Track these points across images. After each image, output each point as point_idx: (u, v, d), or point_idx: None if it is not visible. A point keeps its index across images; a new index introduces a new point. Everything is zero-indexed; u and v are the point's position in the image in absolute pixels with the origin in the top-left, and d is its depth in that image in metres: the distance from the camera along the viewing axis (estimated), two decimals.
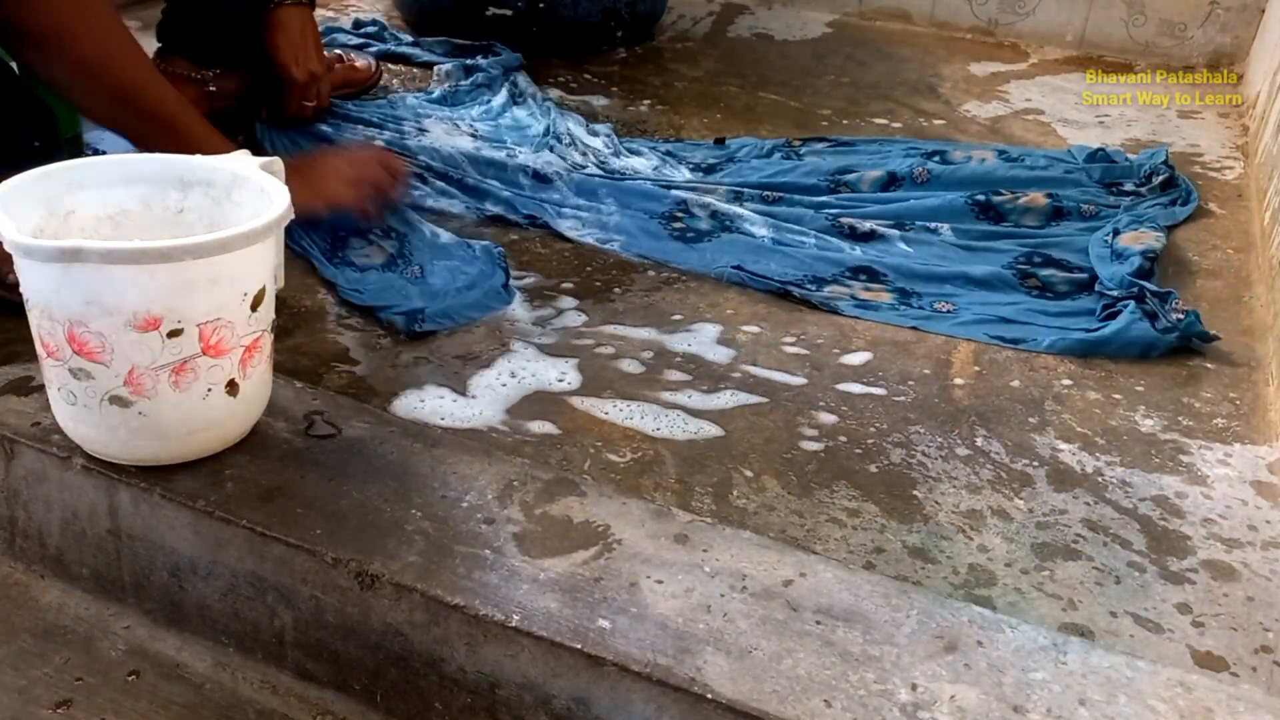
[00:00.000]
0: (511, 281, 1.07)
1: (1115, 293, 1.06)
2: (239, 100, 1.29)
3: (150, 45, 1.22)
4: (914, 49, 1.92)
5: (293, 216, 0.70)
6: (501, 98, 1.50)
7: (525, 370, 0.93)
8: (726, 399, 0.91)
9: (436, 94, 1.51)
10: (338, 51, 1.52)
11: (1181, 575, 0.75)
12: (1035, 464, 0.86)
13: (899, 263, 1.14)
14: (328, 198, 1.08)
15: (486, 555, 0.66)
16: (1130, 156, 1.41)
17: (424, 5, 1.79)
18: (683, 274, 1.11)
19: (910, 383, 0.95)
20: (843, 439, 0.87)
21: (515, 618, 0.62)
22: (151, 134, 0.97)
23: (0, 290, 0.85)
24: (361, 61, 1.52)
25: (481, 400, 0.88)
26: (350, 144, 1.31)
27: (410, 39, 1.72)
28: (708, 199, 1.23)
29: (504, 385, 0.91)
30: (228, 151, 0.77)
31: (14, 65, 0.97)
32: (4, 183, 0.68)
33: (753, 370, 0.96)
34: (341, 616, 0.67)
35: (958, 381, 0.96)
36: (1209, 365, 1.00)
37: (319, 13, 1.90)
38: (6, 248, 0.64)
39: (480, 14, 1.70)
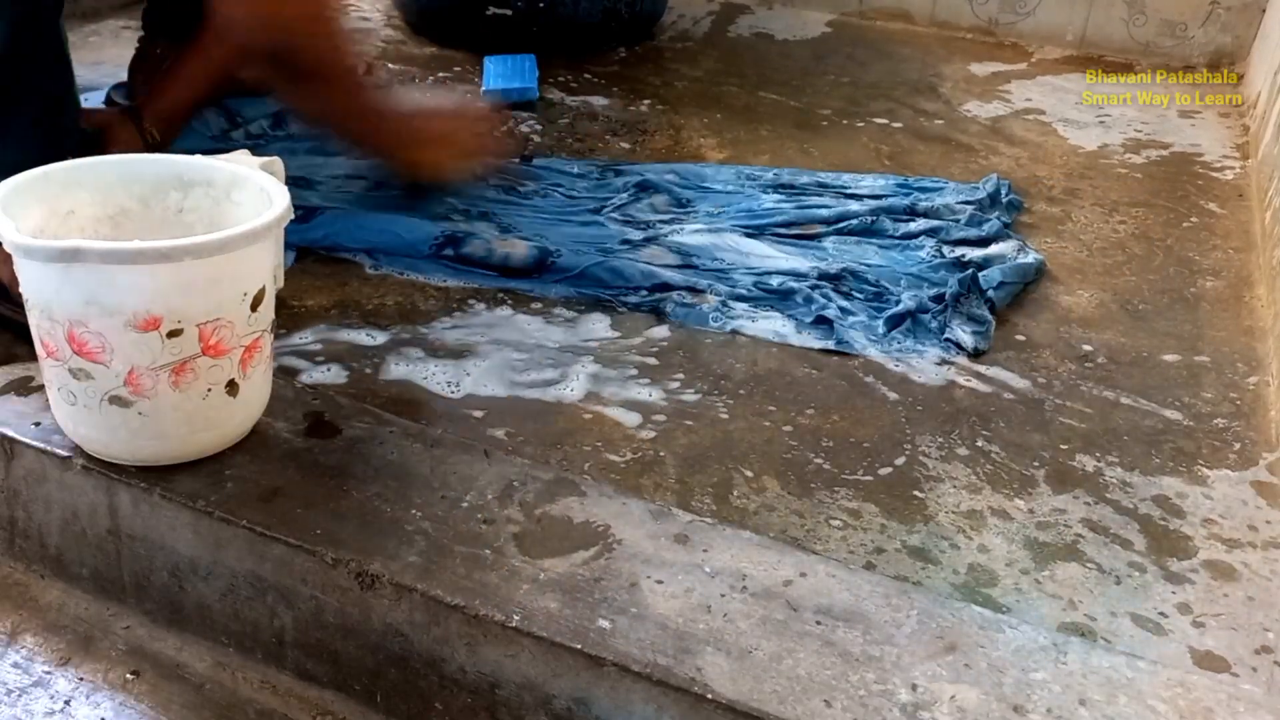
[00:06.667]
0: None
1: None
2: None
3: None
4: (914, 49, 1.92)
5: (292, 216, 0.70)
6: None
7: None
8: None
9: None
10: None
11: (1182, 575, 0.75)
12: (1035, 464, 0.86)
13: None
14: (443, 168, 1.15)
15: (486, 555, 0.66)
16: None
17: (424, 5, 1.79)
18: None
19: (911, 382, 0.95)
20: (843, 439, 0.87)
21: (515, 618, 0.62)
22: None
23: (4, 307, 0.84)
24: None
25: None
26: (449, 101, 1.33)
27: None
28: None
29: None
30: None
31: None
32: (4, 183, 0.68)
33: (755, 370, 0.96)
34: (341, 616, 0.67)
35: (958, 381, 0.96)
36: (1209, 365, 1.00)
37: None
38: (6, 248, 0.64)
39: (480, 14, 1.70)
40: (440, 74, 1.63)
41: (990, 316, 1.03)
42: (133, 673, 0.72)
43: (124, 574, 0.75)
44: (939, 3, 2.01)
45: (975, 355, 0.99)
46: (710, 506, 0.79)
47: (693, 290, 1.06)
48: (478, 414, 0.87)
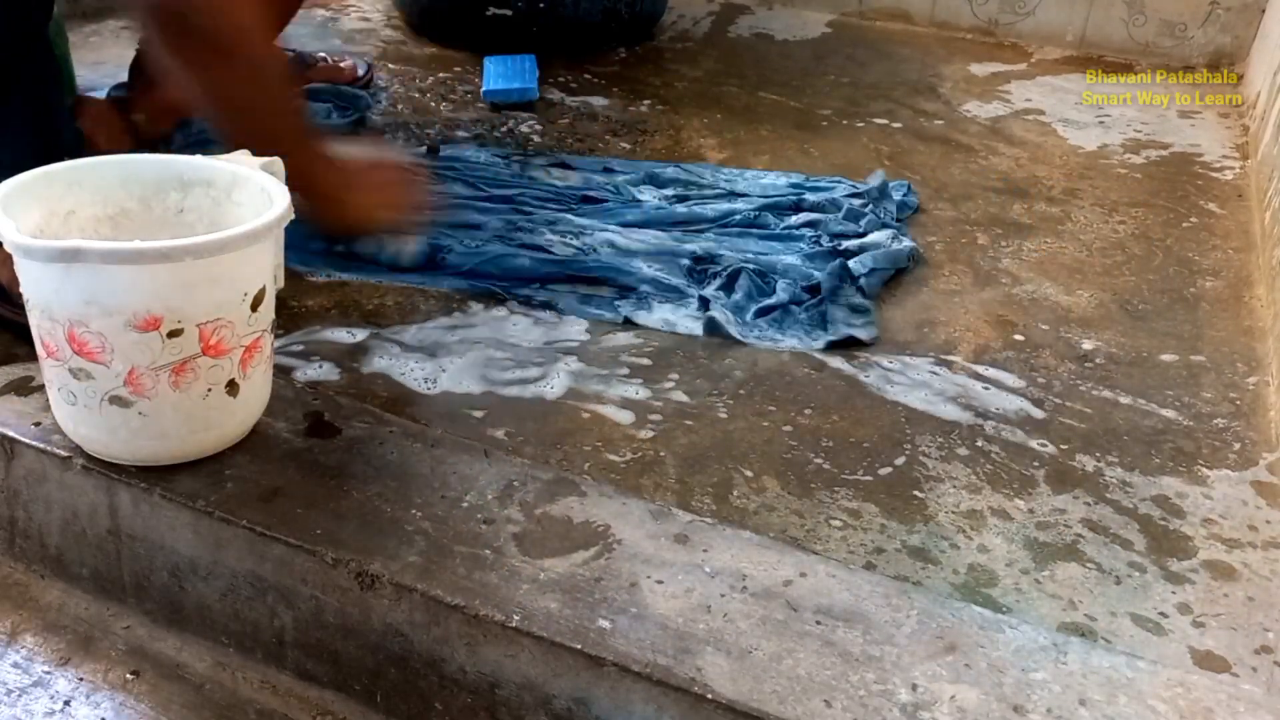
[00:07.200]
0: None
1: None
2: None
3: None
4: (914, 49, 1.92)
5: (292, 217, 0.70)
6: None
7: None
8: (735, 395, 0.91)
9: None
10: (322, 54, 1.53)
11: (1182, 575, 0.75)
12: (1035, 464, 0.86)
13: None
14: (374, 218, 1.04)
15: (486, 555, 0.66)
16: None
17: (424, 5, 1.79)
18: None
19: (910, 382, 0.95)
20: (843, 439, 0.87)
21: (515, 618, 0.62)
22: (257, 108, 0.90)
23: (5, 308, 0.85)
24: (346, 62, 1.53)
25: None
26: (368, 151, 1.22)
27: None
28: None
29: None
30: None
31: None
32: (4, 183, 0.68)
33: (755, 370, 0.96)
34: (341, 616, 0.67)
35: (958, 380, 0.96)
36: (1209, 365, 1.00)
37: (318, 12, 1.90)
38: (7, 248, 0.64)
39: (480, 14, 1.70)
40: (440, 74, 1.63)
41: (868, 303, 1.05)
42: (133, 673, 0.72)
43: (124, 574, 0.75)
44: (939, 3, 2.01)
45: (872, 344, 1.00)
46: (710, 506, 0.79)
47: (586, 281, 1.07)
48: (477, 414, 0.87)
